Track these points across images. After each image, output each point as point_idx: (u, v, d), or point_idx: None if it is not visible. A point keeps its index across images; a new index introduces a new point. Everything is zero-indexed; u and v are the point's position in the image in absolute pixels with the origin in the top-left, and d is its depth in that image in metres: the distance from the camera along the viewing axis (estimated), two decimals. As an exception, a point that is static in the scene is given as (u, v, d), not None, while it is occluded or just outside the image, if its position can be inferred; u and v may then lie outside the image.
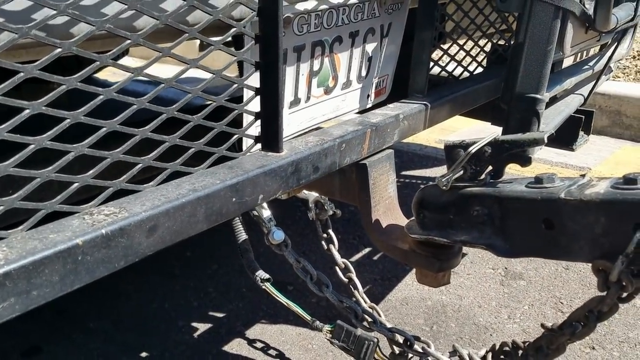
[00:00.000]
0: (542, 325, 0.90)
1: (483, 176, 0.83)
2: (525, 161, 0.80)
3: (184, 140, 0.68)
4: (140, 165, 0.64)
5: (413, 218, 0.94)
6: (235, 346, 1.33)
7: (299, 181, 0.80)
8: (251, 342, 1.34)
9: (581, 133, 1.40)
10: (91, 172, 0.60)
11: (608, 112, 2.79)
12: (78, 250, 0.56)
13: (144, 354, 1.30)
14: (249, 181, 0.72)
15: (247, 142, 0.80)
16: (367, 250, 1.72)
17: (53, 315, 1.44)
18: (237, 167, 0.73)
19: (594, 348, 1.28)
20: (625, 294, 0.69)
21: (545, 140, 0.77)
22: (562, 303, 1.45)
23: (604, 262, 0.69)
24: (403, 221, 1.00)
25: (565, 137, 1.38)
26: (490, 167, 0.82)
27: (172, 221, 0.64)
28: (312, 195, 1.19)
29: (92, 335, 1.37)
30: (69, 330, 1.37)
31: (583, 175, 0.79)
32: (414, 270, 1.61)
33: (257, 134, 0.79)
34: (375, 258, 1.68)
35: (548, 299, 1.47)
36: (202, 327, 1.40)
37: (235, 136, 0.75)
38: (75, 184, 0.59)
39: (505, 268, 1.61)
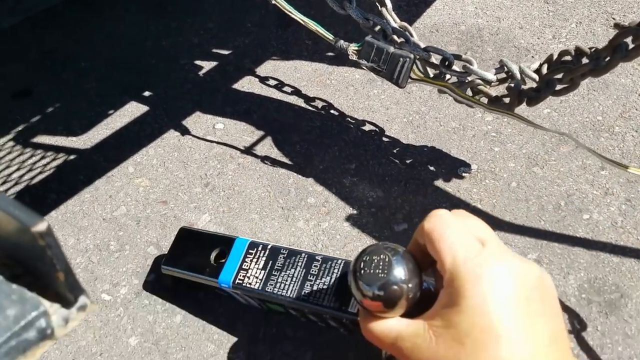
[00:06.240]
0: (617, 25, 0.73)
1: None
2: None
3: None
4: None
5: None
6: (246, 84, 1.21)
7: None
8: (263, 79, 1.22)
9: None
10: None
11: None
12: None
13: (146, 93, 1.19)
14: None
15: None
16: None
17: (40, 56, 1.29)
18: None
19: (651, 66, 1.14)
20: None
21: None
22: (613, 19, 1.26)
23: None
24: None
25: None
26: None
27: None
28: None
29: (85, 75, 1.24)
30: (60, 70, 1.24)
31: None
32: (444, -7, 1.39)
33: None
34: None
35: (598, 15, 1.28)
36: (206, 65, 1.26)
37: None
38: None
39: (552, -16, 1.38)
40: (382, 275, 0.52)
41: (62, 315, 0.31)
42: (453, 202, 0.93)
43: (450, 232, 0.52)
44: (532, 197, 0.93)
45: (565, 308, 0.80)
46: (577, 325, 0.78)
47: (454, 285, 0.50)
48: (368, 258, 0.54)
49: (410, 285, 0.52)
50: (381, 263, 0.52)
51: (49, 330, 0.30)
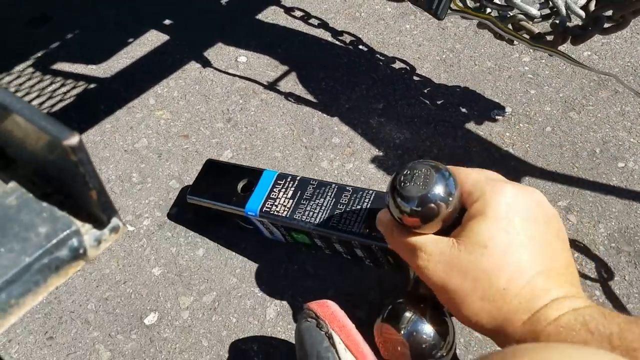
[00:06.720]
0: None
1: None
2: None
3: None
4: None
5: None
6: (271, 14, 1.16)
7: None
8: (288, 10, 1.16)
9: None
10: None
11: None
12: None
13: (167, 21, 1.15)
14: None
15: None
16: None
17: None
18: None
19: None
20: None
21: None
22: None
23: None
24: None
25: None
26: None
27: None
28: None
29: (103, 2, 1.19)
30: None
31: None
32: None
33: None
34: None
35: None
36: (229, -6, 1.20)
37: None
38: None
39: None
40: (423, 187, 0.51)
41: (95, 236, 0.30)
42: (484, 146, 0.90)
43: (468, 169, 0.56)
44: (566, 142, 0.90)
45: (593, 257, 0.78)
46: (604, 274, 0.77)
47: (478, 200, 0.51)
48: (409, 172, 0.53)
49: (450, 200, 0.51)
50: (422, 176, 0.51)
51: (82, 250, 0.29)
